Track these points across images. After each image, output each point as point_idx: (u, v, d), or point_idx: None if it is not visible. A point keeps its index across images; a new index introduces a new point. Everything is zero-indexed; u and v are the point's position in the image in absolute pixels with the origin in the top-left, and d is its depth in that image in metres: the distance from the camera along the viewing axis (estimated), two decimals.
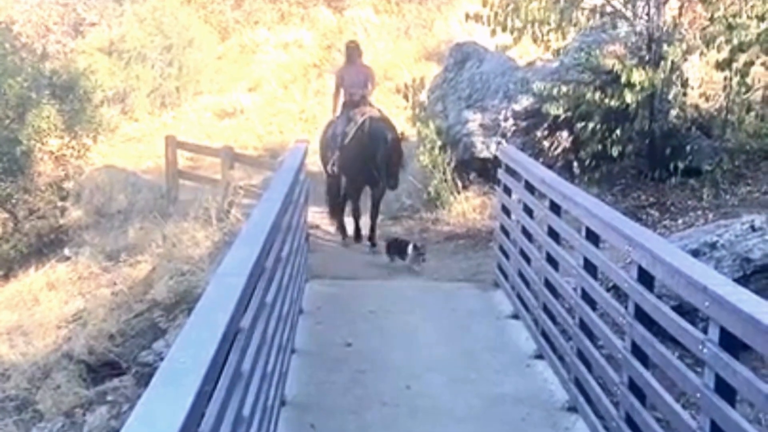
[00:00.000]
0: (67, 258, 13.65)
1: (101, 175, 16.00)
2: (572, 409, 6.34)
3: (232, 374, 3.64)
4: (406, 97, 13.52)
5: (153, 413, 2.60)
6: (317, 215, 11.98)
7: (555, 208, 7.14)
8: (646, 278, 5.00)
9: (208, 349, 3.10)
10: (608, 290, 6.56)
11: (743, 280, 8.05)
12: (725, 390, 3.93)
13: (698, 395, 4.19)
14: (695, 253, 8.39)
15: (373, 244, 11.09)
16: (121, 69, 21.10)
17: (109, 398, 9.65)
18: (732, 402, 3.96)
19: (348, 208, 11.55)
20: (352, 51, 11.85)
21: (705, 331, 4.17)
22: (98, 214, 14.87)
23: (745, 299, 3.91)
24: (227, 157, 13.83)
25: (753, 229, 8.94)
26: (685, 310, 5.66)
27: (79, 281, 12.69)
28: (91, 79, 16.98)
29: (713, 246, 8.80)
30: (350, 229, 11.58)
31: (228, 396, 3.52)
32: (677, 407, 4.57)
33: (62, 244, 14.37)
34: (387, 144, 10.56)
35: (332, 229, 11.99)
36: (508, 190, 9.05)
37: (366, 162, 10.70)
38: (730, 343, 3.91)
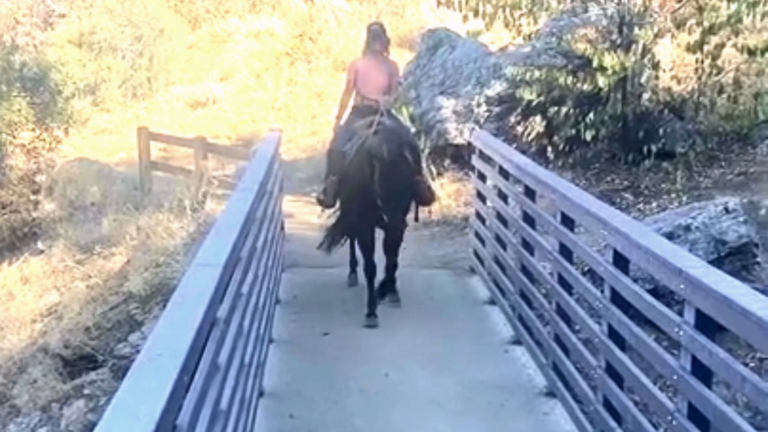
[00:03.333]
0: (41, 251, 13.56)
1: (74, 167, 15.88)
2: (550, 394, 6.37)
3: (210, 365, 3.62)
4: None
5: (130, 405, 2.59)
6: (292, 204, 11.95)
7: (529, 193, 7.16)
8: (621, 262, 5.02)
9: (185, 339, 3.08)
10: (584, 274, 6.59)
11: (718, 262, 8.10)
12: (702, 372, 3.96)
13: (675, 377, 4.21)
14: (670, 236, 8.43)
15: (383, 294, 8.28)
16: (92, 60, 20.91)
17: (86, 392, 9.61)
18: (708, 383, 3.99)
19: (358, 253, 8.50)
20: (375, 37, 8.68)
21: (681, 313, 4.20)
22: (71, 207, 14.76)
23: (720, 281, 3.93)
24: (200, 148, 13.76)
25: (727, 211, 9.00)
26: (660, 293, 5.69)
27: (53, 275, 12.60)
28: (61, 71, 16.86)
29: (687, 229, 8.85)
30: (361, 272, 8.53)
31: (206, 387, 3.50)
32: (655, 390, 4.59)
33: (36, 237, 14.27)
34: (385, 161, 7.52)
35: (310, 218, 11.91)
36: (482, 176, 9.06)
37: (366, 192, 7.62)
38: (705, 325, 3.93)
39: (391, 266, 8.25)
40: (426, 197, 8.42)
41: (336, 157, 8.23)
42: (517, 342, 7.38)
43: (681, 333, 4.10)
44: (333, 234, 8.79)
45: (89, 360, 10.13)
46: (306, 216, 11.94)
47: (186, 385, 3.08)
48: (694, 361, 3.99)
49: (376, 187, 7.50)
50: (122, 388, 2.68)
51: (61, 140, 16.27)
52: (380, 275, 8.24)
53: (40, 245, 13.73)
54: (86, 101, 19.63)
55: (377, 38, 8.66)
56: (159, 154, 16.56)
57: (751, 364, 7.56)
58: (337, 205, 8.49)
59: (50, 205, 14.86)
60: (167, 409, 2.59)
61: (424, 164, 9.59)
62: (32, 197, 15.46)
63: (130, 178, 15.35)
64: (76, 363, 10.24)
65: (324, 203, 8.47)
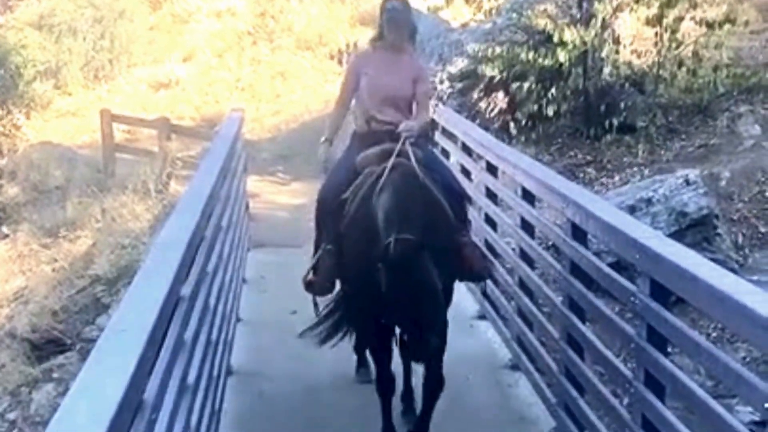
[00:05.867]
0: (6, 236, 13.47)
1: (36, 151, 15.75)
2: (515, 366, 6.47)
3: (175, 342, 3.66)
4: (340, 62, 13.51)
5: (96, 380, 2.62)
6: (257, 184, 11.95)
7: (491, 169, 7.22)
8: (579, 234, 5.11)
9: (149, 316, 3.12)
10: (548, 249, 6.68)
11: (679, 234, 8.24)
12: (657, 339, 4.05)
13: (632, 346, 4.31)
14: (632, 210, 8.55)
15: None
16: (52, 43, 20.69)
17: (55, 375, 9.61)
18: (664, 351, 4.08)
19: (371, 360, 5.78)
20: (393, 21, 5.63)
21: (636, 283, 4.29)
22: (35, 191, 14.66)
23: (673, 251, 4.01)
24: (164, 129, 13.72)
25: (687, 183, 9.12)
26: (623, 266, 5.78)
27: (18, 259, 12.53)
28: (21, 54, 16.70)
29: (649, 202, 8.96)
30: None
31: (171, 363, 3.54)
32: (613, 358, 4.69)
33: (0, 222, 14.17)
34: (399, 250, 4.62)
35: (275, 197, 11.91)
36: (445, 153, 9.11)
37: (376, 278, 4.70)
38: (660, 293, 4.02)
39: (426, 410, 5.28)
40: (477, 267, 5.49)
41: (329, 209, 5.37)
42: (482, 317, 7.47)
43: (636, 302, 4.19)
44: (329, 322, 6.01)
45: (57, 344, 10.12)
46: (271, 196, 11.99)
47: (151, 360, 3.12)
48: (650, 329, 4.08)
49: (388, 290, 4.63)
50: (87, 364, 2.71)
51: (22, 125, 16.12)
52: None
53: (4, 230, 13.64)
54: (48, 84, 19.46)
55: (397, 24, 5.59)
56: (122, 136, 16.47)
57: (713, 334, 7.71)
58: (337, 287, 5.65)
59: (13, 189, 14.74)
60: (132, 384, 2.63)
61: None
62: None
63: (94, 160, 15.26)
64: (44, 347, 10.23)
65: (315, 288, 5.58)
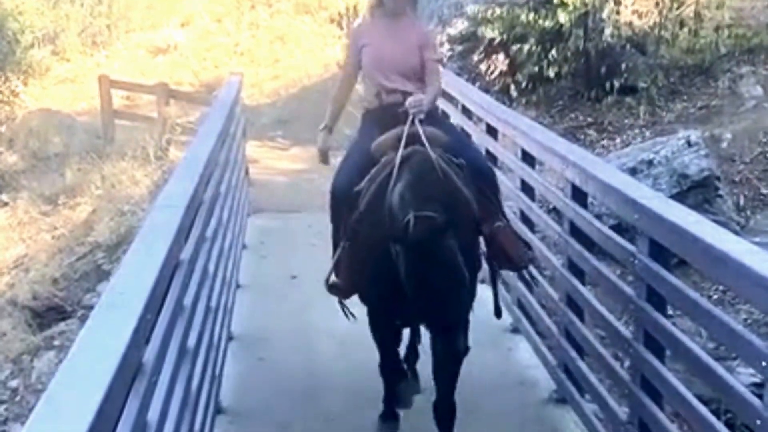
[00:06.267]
0: (5, 204, 13.45)
1: (35, 118, 15.69)
2: (515, 330, 6.46)
3: (174, 306, 3.64)
4: (340, 25, 13.43)
5: (95, 342, 2.61)
6: (257, 149, 11.91)
7: (491, 131, 7.17)
8: (579, 195, 5.08)
9: (148, 279, 3.10)
10: (549, 212, 6.65)
11: (681, 196, 8.22)
12: (657, 300, 4.03)
13: (632, 307, 4.29)
14: (633, 172, 8.53)
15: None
16: (50, 9, 20.54)
17: (56, 343, 9.62)
18: (664, 312, 4.06)
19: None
20: None
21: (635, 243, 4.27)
22: (34, 158, 14.62)
23: (672, 211, 3.99)
24: (162, 94, 13.66)
25: (689, 144, 9.09)
26: (624, 228, 5.77)
27: (18, 227, 12.52)
28: (19, 20, 16.58)
29: (650, 163, 8.94)
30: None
31: (170, 328, 3.53)
32: (613, 319, 4.67)
33: None
34: (418, 232, 4.07)
35: (274, 163, 11.87)
36: (446, 116, 9.05)
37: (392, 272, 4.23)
38: (659, 254, 4.00)
39: (445, 407, 4.65)
40: (514, 256, 4.90)
41: (343, 202, 4.87)
42: (482, 281, 7.43)
43: (636, 263, 4.17)
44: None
45: (58, 311, 10.13)
46: (270, 161, 11.95)
47: (151, 324, 3.11)
48: (649, 290, 4.06)
49: (408, 279, 4.12)
50: (87, 326, 2.70)
51: (20, 91, 16.05)
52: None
53: (4, 197, 13.61)
54: (45, 51, 19.35)
55: None
56: (121, 102, 16.40)
57: (715, 297, 7.71)
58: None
59: (12, 157, 14.70)
60: (131, 347, 2.62)
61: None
62: None
63: (93, 127, 15.21)
64: (45, 314, 10.24)
65: (339, 290, 4.95)
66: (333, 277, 4.95)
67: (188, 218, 4.20)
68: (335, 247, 4.97)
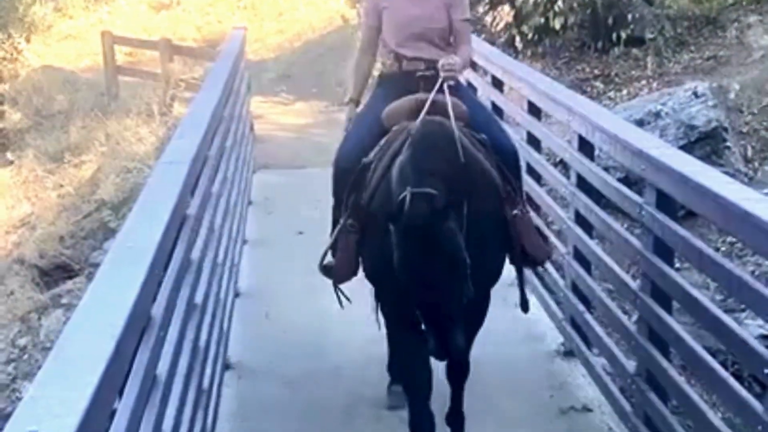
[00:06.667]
0: (11, 162, 13.44)
1: (38, 75, 15.63)
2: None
3: (182, 261, 3.64)
4: None
5: (104, 295, 2.62)
6: (261, 105, 11.86)
7: (497, 83, 7.12)
8: (586, 147, 5.04)
9: (155, 233, 3.10)
10: (556, 165, 6.62)
11: (688, 148, 8.17)
12: (664, 251, 4.02)
13: (639, 258, 4.27)
14: (640, 123, 8.47)
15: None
16: None
17: (64, 301, 9.65)
18: (671, 262, 4.05)
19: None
20: None
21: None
22: (38, 116, 14.58)
23: (678, 160, 3.97)
24: (166, 50, 13.55)
25: (696, 95, 9.02)
26: (632, 182, 5.73)
27: (24, 185, 12.52)
28: None
29: (657, 115, 8.88)
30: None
31: (178, 283, 3.54)
32: (620, 271, 4.66)
33: (4, 148, 14.11)
34: (418, 212, 3.55)
35: (279, 118, 11.82)
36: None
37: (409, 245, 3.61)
38: (666, 204, 3.98)
39: (456, 377, 4.42)
40: (531, 249, 4.30)
41: (348, 176, 4.37)
42: None
43: (643, 213, 4.15)
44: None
45: (65, 269, 10.15)
46: (275, 117, 11.90)
47: (159, 278, 3.12)
48: (656, 240, 4.04)
49: (402, 264, 3.63)
50: (95, 280, 2.71)
51: (23, 49, 15.96)
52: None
53: (9, 156, 13.60)
54: (48, 7, 19.22)
55: None
56: (125, 59, 16.31)
57: (722, 249, 7.69)
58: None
59: (16, 115, 14.66)
60: (140, 300, 2.62)
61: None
62: None
63: (97, 84, 15.14)
64: (52, 273, 10.26)
65: (334, 274, 4.46)
66: (329, 258, 4.45)
67: (194, 173, 4.19)
68: (334, 224, 4.50)
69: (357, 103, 4.84)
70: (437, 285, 3.52)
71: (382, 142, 4.26)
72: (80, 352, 2.22)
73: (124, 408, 2.52)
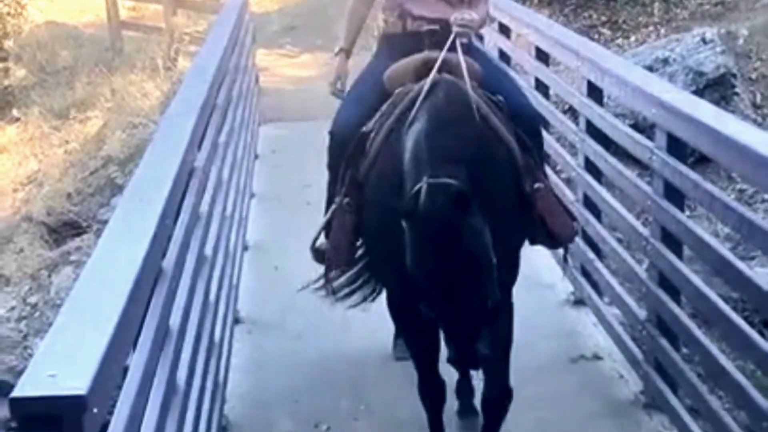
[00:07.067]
0: (17, 119, 13.40)
1: (42, 32, 15.51)
2: None
3: (191, 213, 3.63)
4: None
5: (114, 247, 2.62)
6: (266, 58, 11.78)
7: (504, 30, 7.05)
8: (595, 92, 5.00)
9: (164, 186, 3.09)
10: (565, 113, 6.58)
11: (697, 94, 8.09)
12: (674, 195, 4.00)
13: (649, 203, 4.25)
14: (648, 70, 8.35)
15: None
16: None
17: (73, 258, 9.66)
18: (681, 207, 4.03)
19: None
20: None
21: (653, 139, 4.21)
22: (43, 73, 14.51)
23: (691, 104, 3.93)
24: (169, 4, 13.44)
25: (704, 41, 8.94)
26: (641, 128, 5.70)
27: (30, 142, 12.49)
28: None
29: (665, 61, 8.82)
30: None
31: (188, 235, 3.53)
32: (630, 217, 4.64)
33: (9, 105, 14.07)
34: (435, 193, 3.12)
35: (284, 71, 11.76)
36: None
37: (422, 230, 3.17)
38: (677, 148, 3.95)
39: (492, 404, 3.81)
40: (557, 228, 3.81)
41: (345, 147, 3.88)
42: None
43: (653, 158, 4.12)
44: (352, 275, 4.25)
45: (73, 226, 10.15)
46: (281, 69, 11.83)
47: (169, 230, 3.11)
48: (667, 185, 4.02)
49: (416, 263, 3.21)
50: (107, 231, 2.70)
51: (26, 3, 15.85)
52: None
53: (14, 113, 13.56)
54: None
55: None
56: (128, 13, 16.19)
57: (732, 196, 7.66)
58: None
59: (21, 71, 14.59)
60: (152, 250, 2.62)
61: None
62: (1, 65, 15.16)
63: (100, 39, 15.03)
64: (60, 230, 10.27)
65: (327, 258, 3.99)
66: (321, 239, 3.98)
67: (201, 124, 4.17)
68: (329, 202, 4.05)
69: (348, 54, 4.35)
70: (458, 291, 3.07)
71: (384, 107, 3.75)
72: (94, 304, 2.22)
73: (138, 358, 2.52)
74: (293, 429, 4.46)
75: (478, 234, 3.08)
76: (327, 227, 3.94)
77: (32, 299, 9.48)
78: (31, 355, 8.93)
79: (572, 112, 6.26)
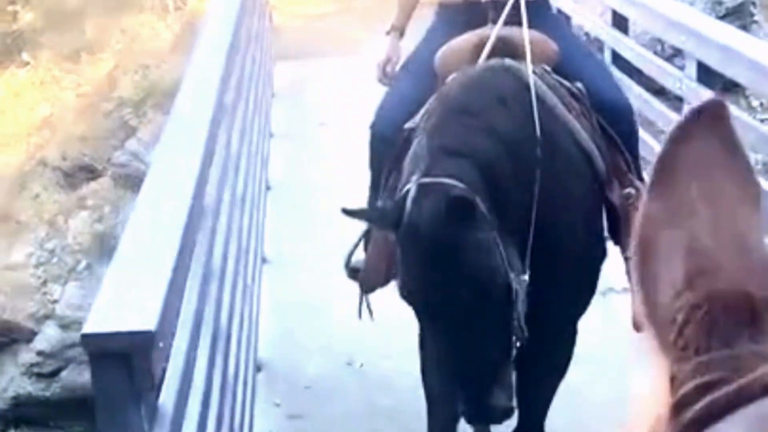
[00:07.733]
0: (27, 63, 13.33)
1: None
2: None
3: (225, 153, 3.65)
4: None
5: (162, 188, 2.65)
6: None
7: None
8: (620, 21, 4.96)
9: (201, 128, 3.10)
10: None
11: None
12: None
13: None
14: None
15: None
16: None
17: (89, 203, 9.69)
18: None
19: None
20: None
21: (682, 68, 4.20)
22: (51, 15, 14.40)
23: (721, 31, 3.91)
24: None
25: None
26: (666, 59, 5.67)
27: (41, 86, 12.45)
28: None
29: None
30: None
31: (224, 176, 3.55)
32: (658, 149, 4.63)
33: (19, 49, 13.99)
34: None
35: (294, 8, 11.65)
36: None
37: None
38: (707, 76, 3.94)
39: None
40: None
41: (387, 145, 3.24)
42: None
43: (683, 87, 4.11)
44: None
45: (88, 170, 10.16)
46: (292, 6, 11.71)
47: (208, 169, 3.13)
48: None
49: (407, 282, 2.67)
50: (150, 172, 2.71)
51: None
52: None
53: (24, 57, 13.48)
54: None
55: None
56: None
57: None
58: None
59: (28, 14, 14.48)
60: (197, 191, 2.65)
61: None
62: (9, 9, 15.05)
63: None
64: (75, 174, 10.28)
65: (363, 276, 3.36)
66: (359, 256, 3.37)
67: (231, 62, 4.16)
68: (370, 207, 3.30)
69: (401, 33, 3.72)
70: (460, 326, 2.45)
71: (433, 99, 3.02)
72: (151, 243, 2.26)
73: (188, 298, 2.55)
74: (326, 366, 4.48)
75: (485, 252, 2.44)
76: (366, 237, 3.31)
77: (49, 245, 9.52)
78: (51, 301, 9.01)
79: (597, 43, 6.23)
